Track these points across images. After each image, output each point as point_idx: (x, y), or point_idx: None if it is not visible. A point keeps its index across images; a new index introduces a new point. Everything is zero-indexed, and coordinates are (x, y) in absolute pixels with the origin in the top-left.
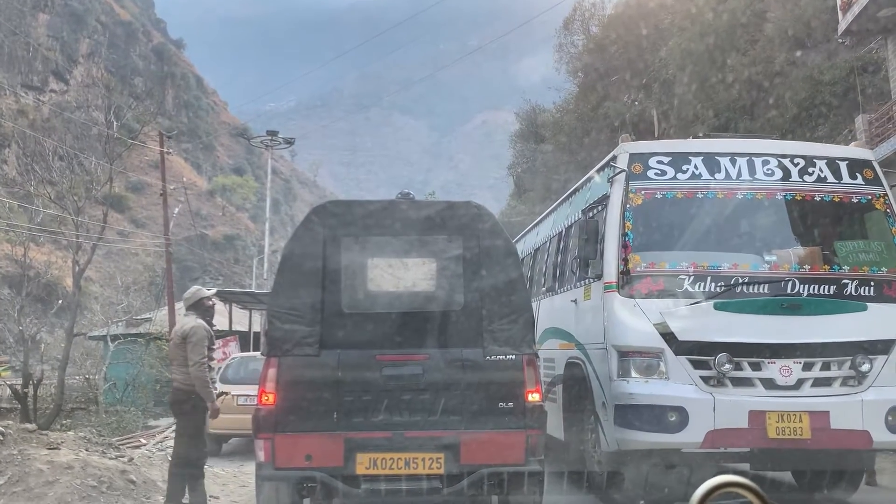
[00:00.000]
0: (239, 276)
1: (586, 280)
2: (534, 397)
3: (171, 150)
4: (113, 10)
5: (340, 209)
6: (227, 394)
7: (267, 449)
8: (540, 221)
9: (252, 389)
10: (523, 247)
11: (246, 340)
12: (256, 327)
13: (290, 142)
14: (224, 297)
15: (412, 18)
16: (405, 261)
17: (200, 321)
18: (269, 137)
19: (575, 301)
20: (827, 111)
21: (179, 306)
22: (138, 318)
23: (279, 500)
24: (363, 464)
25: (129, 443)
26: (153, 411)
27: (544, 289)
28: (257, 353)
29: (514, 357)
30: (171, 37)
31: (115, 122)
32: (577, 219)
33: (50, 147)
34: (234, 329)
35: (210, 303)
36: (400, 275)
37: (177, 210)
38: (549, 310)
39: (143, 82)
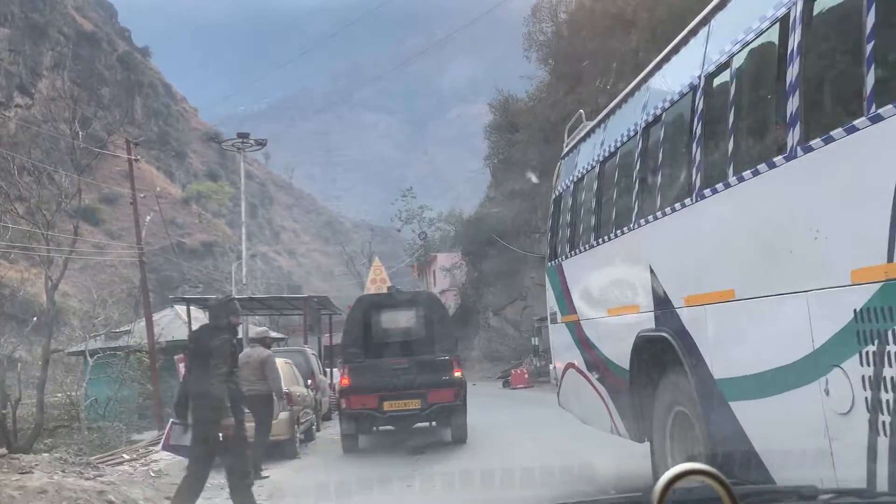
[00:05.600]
0: (219, 283)
1: None
2: (457, 374)
3: (139, 158)
4: (75, 21)
5: (369, 298)
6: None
7: (346, 401)
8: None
9: None
10: (617, 134)
11: None
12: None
13: (261, 143)
14: (201, 304)
15: (375, 12)
16: (398, 318)
17: (269, 350)
18: (241, 140)
19: None
20: None
21: (159, 317)
22: (117, 330)
23: (348, 424)
24: (385, 405)
25: (110, 460)
26: (137, 425)
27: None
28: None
29: (447, 357)
30: (137, 45)
31: (80, 133)
32: None
33: (17, 163)
34: None
35: (269, 340)
36: (396, 324)
37: (148, 218)
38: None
39: (110, 92)
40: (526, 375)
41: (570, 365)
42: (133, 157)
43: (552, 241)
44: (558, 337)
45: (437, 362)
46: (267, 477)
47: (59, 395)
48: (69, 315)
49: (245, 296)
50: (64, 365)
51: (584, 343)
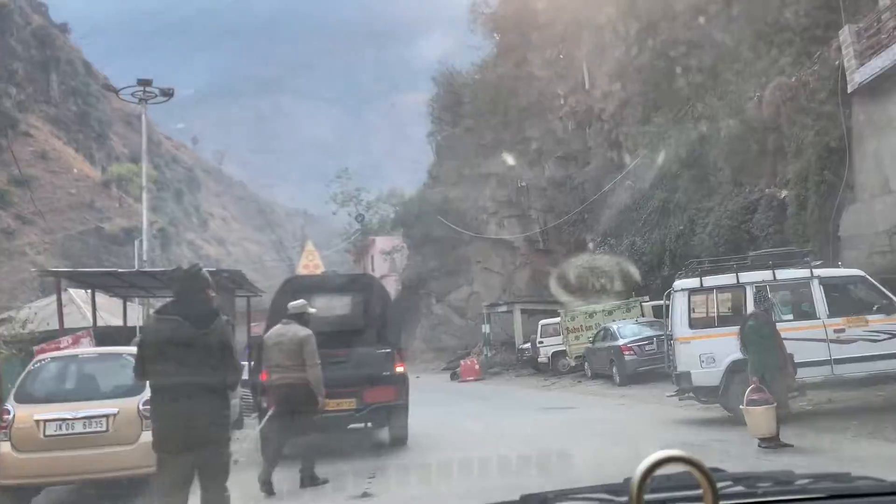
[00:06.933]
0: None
1: None
2: (399, 369)
3: None
4: None
5: (299, 280)
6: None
7: (266, 401)
8: None
9: (70, 411)
10: None
11: (122, 337)
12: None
13: (168, 93)
14: (80, 279)
15: None
16: (332, 304)
17: (308, 329)
18: (142, 88)
19: None
20: (792, 36)
21: (48, 302)
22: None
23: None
24: None
25: None
26: None
27: None
28: (95, 350)
29: (389, 350)
30: (55, 21)
31: None
32: None
33: None
34: (104, 325)
35: (308, 317)
36: (330, 311)
37: None
38: None
39: (23, 67)
40: (477, 367)
41: None
42: None
43: None
44: None
45: (376, 356)
46: (327, 481)
47: None
48: None
49: (134, 269)
50: None
51: None
